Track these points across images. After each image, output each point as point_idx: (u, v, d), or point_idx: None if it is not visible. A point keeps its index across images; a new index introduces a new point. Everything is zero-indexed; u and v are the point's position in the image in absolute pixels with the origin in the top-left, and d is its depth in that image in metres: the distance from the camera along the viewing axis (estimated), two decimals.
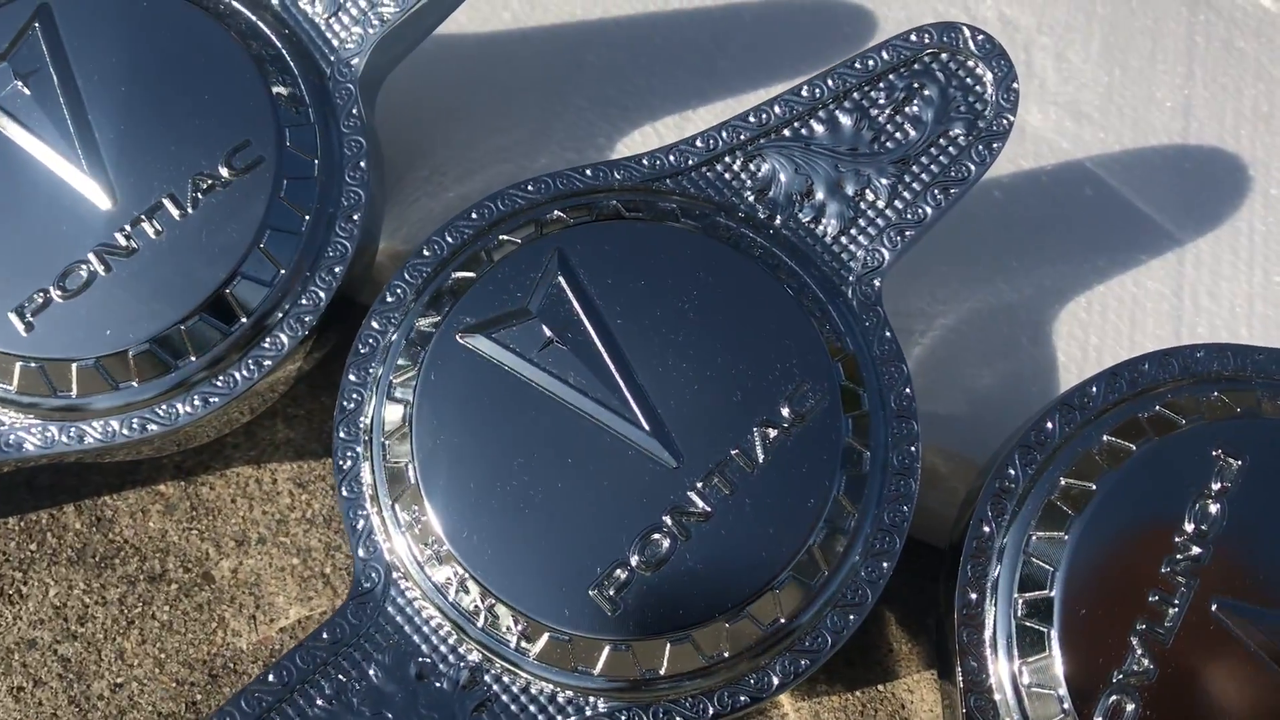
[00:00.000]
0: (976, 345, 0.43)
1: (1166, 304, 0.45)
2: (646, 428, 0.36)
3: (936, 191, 0.39)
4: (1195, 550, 0.34)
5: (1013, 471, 0.36)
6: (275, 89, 0.39)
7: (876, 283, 0.38)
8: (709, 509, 0.35)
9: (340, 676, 0.35)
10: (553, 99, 0.46)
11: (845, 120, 0.39)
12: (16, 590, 0.41)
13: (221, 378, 0.38)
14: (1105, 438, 0.36)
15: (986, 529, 0.35)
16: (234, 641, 0.41)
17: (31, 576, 0.41)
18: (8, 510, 0.42)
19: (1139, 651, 0.33)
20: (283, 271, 0.38)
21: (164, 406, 0.38)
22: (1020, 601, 0.34)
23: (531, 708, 0.35)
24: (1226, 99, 0.48)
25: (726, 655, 0.34)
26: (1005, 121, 0.39)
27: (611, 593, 0.34)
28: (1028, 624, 0.34)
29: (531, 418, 0.36)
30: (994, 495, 0.35)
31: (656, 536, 0.35)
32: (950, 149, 0.39)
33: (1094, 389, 0.37)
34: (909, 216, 0.38)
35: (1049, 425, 0.36)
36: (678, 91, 0.47)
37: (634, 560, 0.35)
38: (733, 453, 0.35)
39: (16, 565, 0.41)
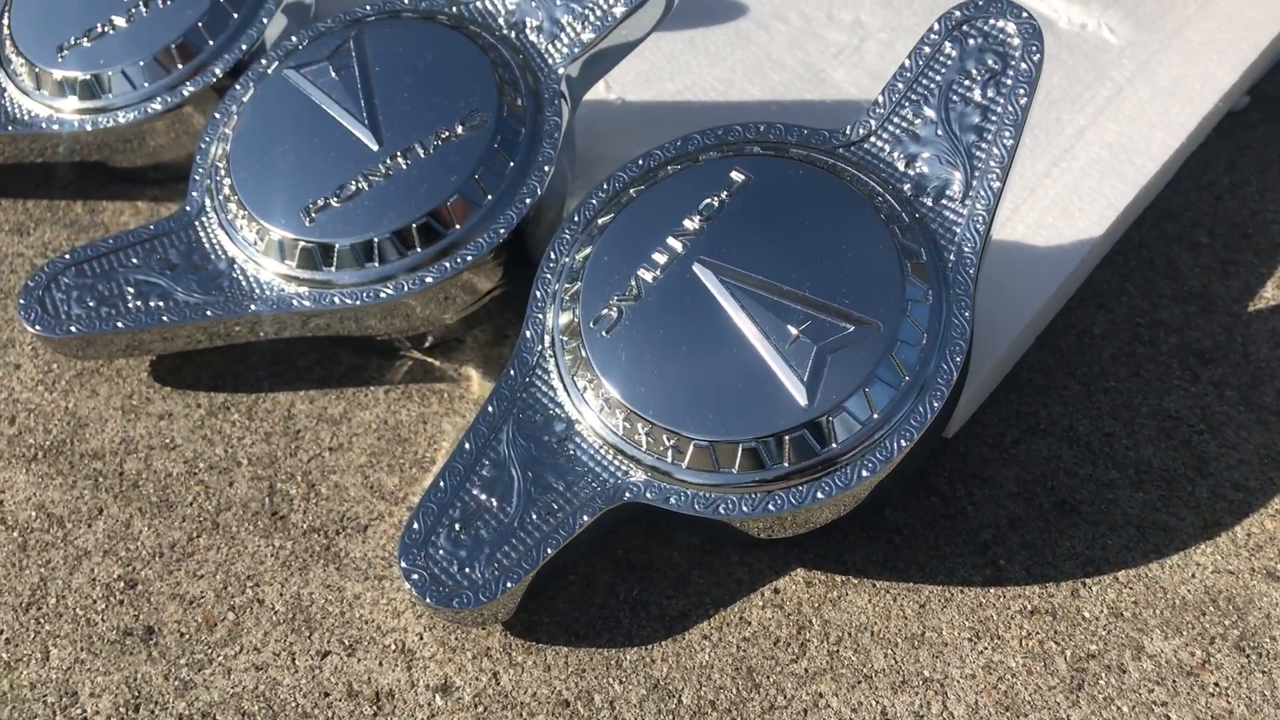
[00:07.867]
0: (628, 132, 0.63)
1: None
2: (367, 124, 0.55)
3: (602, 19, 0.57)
4: (693, 227, 0.50)
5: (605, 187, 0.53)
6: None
7: (560, 70, 0.56)
8: (390, 172, 0.54)
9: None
10: None
11: None
12: None
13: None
14: (670, 167, 0.53)
15: (577, 216, 0.53)
16: None
17: None
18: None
19: (633, 284, 0.49)
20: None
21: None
22: (576, 257, 0.51)
23: None
24: None
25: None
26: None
27: (323, 201, 0.54)
28: (574, 268, 0.51)
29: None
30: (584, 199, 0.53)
31: (352, 184, 0.54)
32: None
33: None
34: (588, 26, 0.57)
35: (639, 162, 0.54)
36: None
37: (332, 199, 0.54)
38: (417, 145, 0.54)
39: None
